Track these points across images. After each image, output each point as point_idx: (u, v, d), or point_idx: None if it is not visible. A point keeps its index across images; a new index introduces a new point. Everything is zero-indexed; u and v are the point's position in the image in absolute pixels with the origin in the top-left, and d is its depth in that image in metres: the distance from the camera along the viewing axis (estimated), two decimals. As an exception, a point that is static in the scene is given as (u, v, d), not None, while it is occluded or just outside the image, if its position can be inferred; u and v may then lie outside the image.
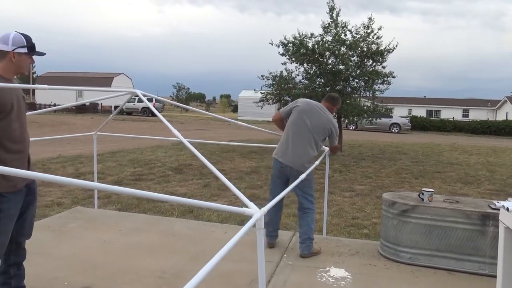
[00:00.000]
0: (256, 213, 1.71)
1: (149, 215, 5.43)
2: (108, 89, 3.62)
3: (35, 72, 60.52)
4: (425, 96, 58.92)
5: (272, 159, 4.27)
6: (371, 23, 12.45)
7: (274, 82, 13.15)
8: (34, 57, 2.68)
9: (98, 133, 5.29)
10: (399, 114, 35.69)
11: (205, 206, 1.77)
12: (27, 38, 2.60)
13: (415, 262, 3.89)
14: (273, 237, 4.27)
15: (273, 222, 4.25)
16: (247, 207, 1.78)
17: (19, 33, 2.60)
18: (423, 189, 4.06)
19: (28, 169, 2.73)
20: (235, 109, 65.70)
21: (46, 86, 2.91)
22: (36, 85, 2.90)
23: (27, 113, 3.98)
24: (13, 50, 2.55)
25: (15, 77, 2.70)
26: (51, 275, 3.41)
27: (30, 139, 4.37)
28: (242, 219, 5.17)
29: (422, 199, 3.99)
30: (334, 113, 5.09)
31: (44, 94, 45.48)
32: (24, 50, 2.57)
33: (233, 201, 6.32)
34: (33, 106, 40.17)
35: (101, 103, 39.78)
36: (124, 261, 3.78)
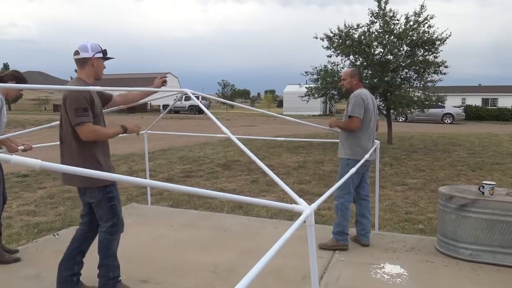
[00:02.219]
0: (306, 209, 1.67)
1: (200, 211, 5.53)
2: (158, 89, 3.69)
3: (88, 75, 63.19)
4: (480, 84, 55.87)
5: (342, 160, 4.12)
6: (423, 11, 11.95)
7: (319, 77, 12.97)
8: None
9: (148, 131, 5.45)
10: (452, 103, 34.06)
11: (254, 203, 1.76)
12: (99, 45, 2.96)
13: (476, 259, 3.70)
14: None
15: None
16: (296, 203, 1.75)
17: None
18: (483, 182, 3.84)
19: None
20: (280, 104, 65.54)
21: (99, 87, 3.01)
22: (91, 87, 2.98)
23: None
24: (93, 55, 2.89)
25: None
26: (110, 269, 3.55)
27: (22, 147, 4.65)
28: (291, 215, 5.14)
29: (483, 193, 3.77)
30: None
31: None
32: (101, 55, 2.94)
33: (281, 196, 6.31)
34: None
35: (150, 103, 41.03)
36: (178, 256, 3.87)
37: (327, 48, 12.59)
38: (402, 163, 9.72)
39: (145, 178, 5.77)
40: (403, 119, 28.12)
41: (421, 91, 13.33)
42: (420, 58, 12.18)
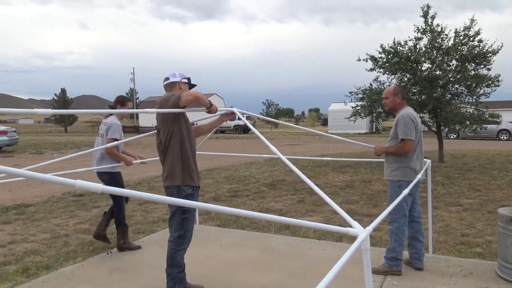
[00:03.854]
0: (362, 233, 1.64)
1: (247, 231, 5.54)
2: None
3: (138, 98, 65.92)
4: (538, 98, 52.63)
5: (392, 182, 3.99)
6: (473, 24, 11.56)
7: (364, 96, 12.79)
8: None
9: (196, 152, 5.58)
10: (508, 119, 32.27)
11: (305, 226, 1.74)
12: (184, 74, 3.43)
13: (543, 286, 3.44)
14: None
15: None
16: (350, 226, 1.72)
17: None
18: (548, 203, 3.60)
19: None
20: (324, 122, 65.06)
21: (149, 109, 3.15)
22: (141, 109, 3.24)
23: (134, 137, 4.37)
24: (180, 80, 3.35)
25: None
26: (162, 287, 3.62)
27: (137, 161, 5.06)
28: (340, 236, 5.03)
29: (548, 215, 3.53)
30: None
31: (146, 118, 49.39)
32: (186, 80, 3.39)
33: (329, 217, 6.20)
34: (137, 129, 43.86)
35: (196, 123, 42.06)
36: (226, 276, 3.89)
37: (371, 69, 12.42)
38: (456, 182, 9.29)
39: (193, 197, 5.88)
40: (454, 136, 26.98)
41: (473, 107, 12.77)
42: (472, 72, 11.73)
